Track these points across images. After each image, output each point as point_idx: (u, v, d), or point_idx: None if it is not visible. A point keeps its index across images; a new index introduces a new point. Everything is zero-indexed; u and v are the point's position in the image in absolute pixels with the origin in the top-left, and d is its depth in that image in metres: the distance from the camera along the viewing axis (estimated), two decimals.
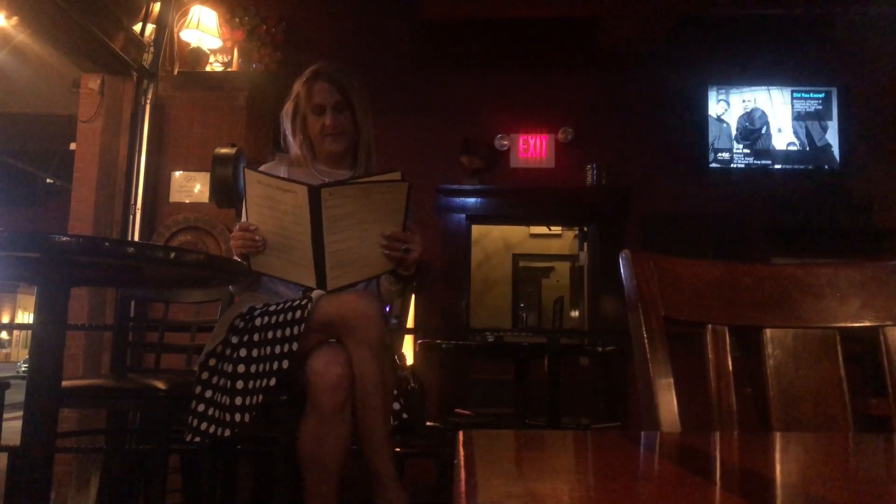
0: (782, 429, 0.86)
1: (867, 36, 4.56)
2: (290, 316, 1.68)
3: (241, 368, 1.70)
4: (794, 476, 0.52)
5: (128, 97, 3.96)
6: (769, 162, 4.55)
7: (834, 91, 4.57)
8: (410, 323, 3.32)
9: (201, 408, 1.73)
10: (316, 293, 1.74)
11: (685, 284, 0.89)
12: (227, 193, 3.68)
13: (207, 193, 3.92)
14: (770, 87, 4.59)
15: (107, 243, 1.37)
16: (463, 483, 0.41)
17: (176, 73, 4.16)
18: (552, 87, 4.72)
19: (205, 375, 1.76)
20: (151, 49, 4.01)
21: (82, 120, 3.89)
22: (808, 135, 4.57)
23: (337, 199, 1.70)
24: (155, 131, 4.00)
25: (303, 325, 1.65)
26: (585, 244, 5.17)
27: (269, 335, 1.70)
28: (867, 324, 0.89)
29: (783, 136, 4.57)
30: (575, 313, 6.28)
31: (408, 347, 3.80)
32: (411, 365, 3.23)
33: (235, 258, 1.90)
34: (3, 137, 6.96)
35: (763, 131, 4.58)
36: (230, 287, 2.07)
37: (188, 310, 3.21)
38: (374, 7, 4.66)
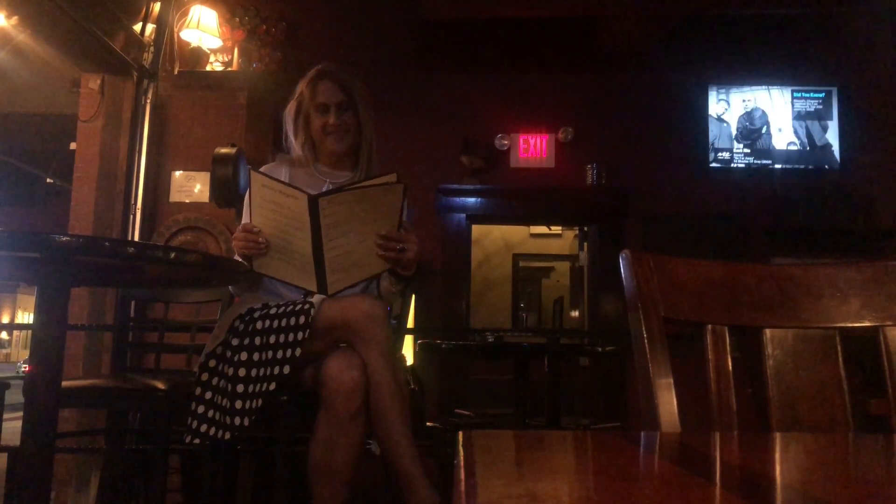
0: (782, 429, 0.86)
1: (867, 36, 4.56)
2: (292, 321, 1.67)
3: (241, 372, 1.69)
4: (794, 476, 0.52)
5: (128, 97, 3.96)
6: (769, 162, 4.55)
7: (834, 91, 4.57)
8: (410, 323, 3.32)
9: (201, 409, 1.73)
10: (317, 297, 1.74)
11: (685, 284, 0.89)
12: (227, 193, 3.68)
13: (207, 193, 3.92)
14: (770, 87, 4.59)
15: (107, 243, 1.37)
16: (463, 483, 0.41)
17: (176, 72, 4.16)
18: (552, 87, 4.72)
19: (204, 377, 1.75)
20: (151, 49, 4.01)
21: (82, 120, 3.89)
22: (809, 135, 4.57)
23: (334, 206, 1.72)
24: (155, 131, 4.00)
25: (307, 330, 1.64)
26: (585, 244, 5.17)
27: (271, 339, 1.69)
28: (867, 324, 0.89)
29: (783, 136, 4.57)
30: (575, 313, 6.28)
31: (408, 347, 3.80)
32: (410, 365, 3.23)
33: (236, 258, 1.90)
34: (3, 137, 6.96)
35: (763, 131, 4.58)
36: (230, 287, 2.07)
37: (188, 310, 3.21)
38: (374, 7, 4.66)
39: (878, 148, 4.54)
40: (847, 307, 0.89)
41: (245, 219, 1.91)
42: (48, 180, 8.90)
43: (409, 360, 3.67)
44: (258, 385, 1.67)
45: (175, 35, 4.16)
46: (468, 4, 4.24)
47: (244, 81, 4.10)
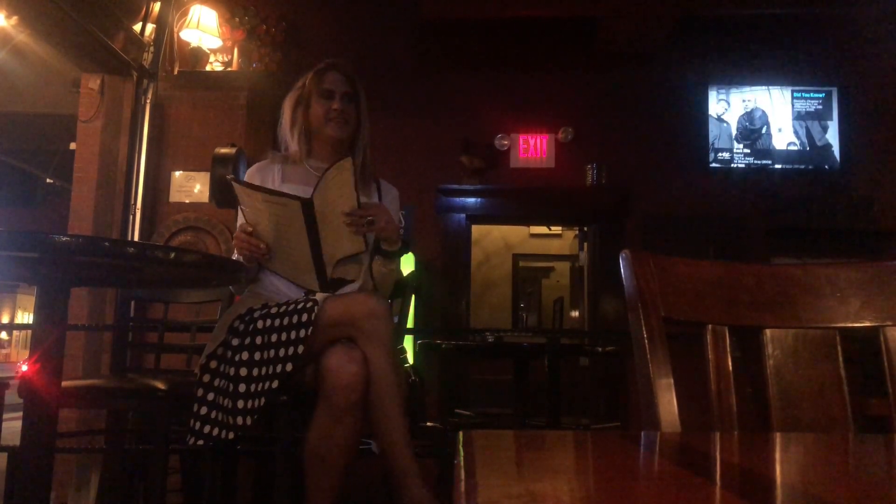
0: (782, 429, 0.86)
1: (867, 36, 4.56)
2: (295, 319, 1.68)
3: (242, 371, 1.70)
4: (794, 476, 0.52)
5: (128, 97, 3.96)
6: (769, 162, 4.55)
7: (834, 91, 4.57)
8: (410, 323, 3.32)
9: (203, 410, 1.73)
10: (320, 295, 1.75)
11: (685, 284, 0.89)
12: (226, 193, 3.68)
13: (207, 193, 3.93)
14: (770, 87, 4.59)
15: (107, 243, 1.37)
16: (463, 483, 0.41)
17: (176, 72, 4.16)
18: (552, 87, 4.72)
19: (206, 378, 1.75)
20: (151, 49, 4.01)
21: (82, 120, 3.89)
22: (809, 134, 4.57)
23: (320, 199, 1.77)
24: (155, 131, 4.00)
25: (310, 328, 1.65)
26: (585, 244, 5.17)
27: (273, 338, 1.69)
28: (867, 324, 0.89)
29: (783, 136, 4.57)
30: (575, 313, 6.28)
31: (408, 347, 3.80)
32: (411, 363, 3.23)
33: (235, 258, 1.91)
34: (3, 137, 6.96)
35: (763, 131, 4.58)
36: (230, 287, 2.07)
37: (188, 310, 3.21)
38: (374, 7, 4.66)
39: (878, 148, 4.54)
40: (847, 307, 0.89)
41: (240, 220, 1.93)
42: (48, 180, 8.89)
43: (410, 359, 3.67)
44: (260, 384, 1.67)
45: (175, 35, 4.16)
46: (468, 4, 4.24)
47: (244, 81, 4.10)
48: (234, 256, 1.94)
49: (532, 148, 4.66)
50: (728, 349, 0.87)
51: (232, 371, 1.71)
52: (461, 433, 0.57)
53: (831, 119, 4.55)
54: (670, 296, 0.88)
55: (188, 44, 4.15)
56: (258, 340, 1.71)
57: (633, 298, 0.87)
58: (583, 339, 4.57)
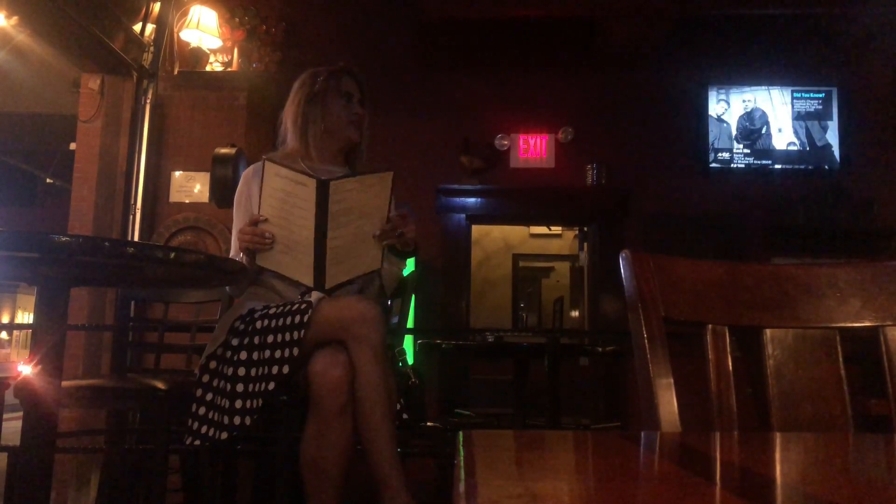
0: (782, 429, 0.86)
1: (867, 36, 4.56)
2: (289, 320, 1.68)
3: (241, 371, 1.70)
4: (794, 476, 0.52)
5: (128, 97, 3.96)
6: (769, 162, 4.55)
7: (834, 91, 4.57)
8: (410, 323, 3.32)
9: (201, 411, 1.73)
10: (315, 296, 1.74)
11: (685, 284, 0.89)
12: (226, 193, 3.68)
13: (207, 193, 3.93)
14: (770, 87, 4.59)
15: (107, 243, 1.37)
16: (463, 483, 0.41)
17: (176, 73, 4.16)
18: (552, 87, 4.72)
19: (205, 378, 1.75)
20: (151, 49, 4.01)
21: (82, 120, 3.89)
22: (808, 135, 4.57)
23: (341, 192, 1.75)
24: (155, 131, 4.00)
25: (303, 330, 1.64)
26: (585, 244, 5.17)
27: (270, 339, 1.69)
28: (867, 324, 0.89)
29: (783, 136, 4.57)
30: (575, 313, 6.29)
31: (408, 347, 3.80)
32: (411, 364, 3.23)
33: (233, 256, 1.90)
34: (3, 137, 6.96)
35: (763, 131, 4.58)
36: (227, 289, 2.07)
37: (188, 310, 3.20)
38: (374, 7, 4.66)
39: (878, 148, 4.54)
40: (847, 307, 0.89)
41: (245, 213, 1.92)
42: (48, 180, 8.89)
43: (410, 360, 3.67)
44: (258, 384, 1.67)
45: (175, 35, 4.16)
46: (468, 4, 4.24)
47: (244, 81, 4.10)
48: (232, 254, 1.94)
49: (532, 148, 4.66)
50: (728, 349, 0.87)
51: (231, 371, 1.71)
52: (461, 433, 0.57)
53: (831, 119, 4.55)
54: (670, 296, 0.88)
55: (188, 44, 4.15)
56: (256, 341, 1.71)
57: (633, 298, 0.87)
58: (583, 339, 4.57)
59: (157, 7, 4.05)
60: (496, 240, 7.51)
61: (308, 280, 1.79)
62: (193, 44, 4.12)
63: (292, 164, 1.91)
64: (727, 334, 0.88)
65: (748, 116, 4.59)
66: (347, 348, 1.67)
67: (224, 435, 1.67)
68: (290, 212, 1.77)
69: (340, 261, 1.80)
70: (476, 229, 5.35)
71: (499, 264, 7.52)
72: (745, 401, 0.89)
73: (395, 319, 2.11)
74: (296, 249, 1.79)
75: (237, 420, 1.66)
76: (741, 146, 4.56)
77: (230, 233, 2.26)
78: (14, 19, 3.37)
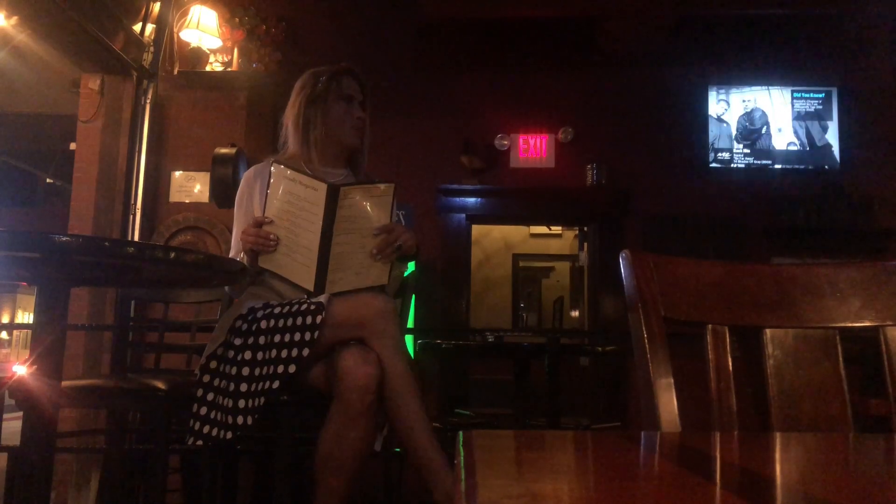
0: (782, 429, 0.86)
1: (867, 36, 4.56)
2: (300, 320, 1.67)
3: (244, 370, 1.70)
4: (794, 476, 0.52)
5: (128, 97, 3.96)
6: (769, 162, 4.55)
7: (834, 91, 4.57)
8: (411, 323, 3.32)
9: (203, 410, 1.73)
10: (324, 296, 1.74)
11: (685, 284, 0.89)
12: (227, 193, 3.68)
13: (207, 193, 3.93)
14: (770, 87, 4.59)
15: (107, 243, 1.37)
16: (463, 483, 0.41)
17: (176, 73, 4.16)
18: (552, 87, 4.72)
19: (206, 378, 1.75)
20: (151, 49, 4.01)
21: (82, 120, 3.89)
22: (808, 135, 4.57)
23: (350, 199, 1.76)
24: (155, 131, 4.00)
25: (316, 331, 1.64)
26: (585, 244, 5.17)
27: (277, 338, 1.69)
28: (867, 324, 0.89)
29: (783, 136, 4.57)
30: (575, 313, 6.29)
31: (408, 347, 3.79)
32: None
33: (233, 256, 1.90)
34: (3, 137, 6.96)
35: (763, 131, 4.58)
36: (226, 289, 2.06)
37: (188, 310, 3.21)
38: (374, 7, 4.66)
39: (878, 148, 4.54)
40: (847, 307, 0.89)
41: (245, 214, 1.91)
42: (48, 180, 8.89)
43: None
44: (261, 383, 1.67)
45: (175, 35, 4.16)
46: (468, 4, 4.24)
47: (244, 81, 4.10)
48: (232, 254, 1.94)
49: (532, 148, 4.66)
50: (728, 349, 0.87)
51: (233, 370, 1.71)
52: (461, 433, 0.57)
53: (831, 119, 4.55)
54: (670, 296, 0.88)
55: (188, 44, 4.15)
56: (261, 340, 1.71)
57: (633, 298, 0.87)
58: (583, 339, 4.58)
59: (157, 7, 4.05)
60: (496, 240, 7.51)
61: (308, 284, 1.78)
62: (193, 44, 4.12)
63: (297, 168, 1.91)
64: (727, 334, 0.88)
65: (748, 116, 4.58)
66: (369, 344, 1.67)
67: (228, 434, 1.67)
68: (297, 215, 1.77)
69: (342, 268, 1.80)
70: (476, 229, 5.35)
71: (499, 264, 7.52)
72: (745, 401, 0.89)
73: None
74: (299, 252, 1.79)
75: (240, 419, 1.66)
76: (741, 146, 4.55)
77: (230, 233, 2.26)
78: (14, 19, 3.37)
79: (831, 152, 4.55)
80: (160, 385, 1.87)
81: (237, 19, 4.27)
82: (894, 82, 4.56)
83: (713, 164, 4.53)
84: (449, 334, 3.89)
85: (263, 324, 1.72)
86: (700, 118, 4.56)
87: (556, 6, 4.28)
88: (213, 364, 1.77)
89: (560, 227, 7.23)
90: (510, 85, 4.73)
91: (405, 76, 4.65)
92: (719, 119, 4.57)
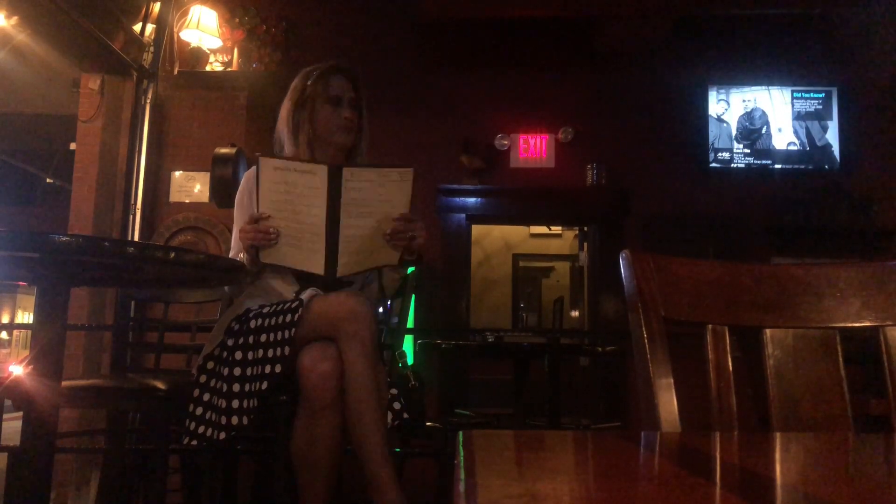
0: (782, 429, 0.86)
1: (867, 36, 4.56)
2: (281, 319, 1.68)
3: (237, 371, 1.70)
4: (794, 476, 0.52)
5: (128, 97, 3.96)
6: (769, 162, 4.55)
7: (834, 91, 4.57)
8: (410, 323, 3.32)
9: (199, 411, 1.73)
10: (307, 294, 1.73)
11: (685, 284, 0.89)
12: (227, 193, 3.68)
13: (207, 193, 3.93)
14: (770, 87, 4.59)
15: (107, 243, 1.37)
16: (463, 483, 0.41)
17: (176, 73, 4.16)
18: (552, 87, 4.72)
19: (202, 378, 1.76)
20: (151, 49, 4.01)
21: (82, 120, 3.89)
22: (809, 135, 4.57)
23: (357, 181, 1.73)
24: (155, 131, 4.00)
25: (293, 328, 1.64)
26: (585, 244, 5.17)
27: (263, 338, 1.69)
28: (867, 324, 0.89)
29: (783, 136, 4.57)
30: (575, 313, 6.28)
31: (408, 347, 3.80)
32: (411, 365, 3.23)
33: (233, 256, 1.90)
34: (3, 137, 6.96)
35: (763, 131, 4.58)
36: (226, 289, 2.06)
37: (188, 310, 3.21)
38: (374, 7, 4.66)
39: (878, 148, 4.54)
40: (847, 307, 0.89)
41: (245, 214, 1.91)
42: (48, 180, 8.89)
43: (410, 360, 3.67)
44: (253, 384, 1.67)
45: (175, 35, 4.16)
46: (468, 4, 4.24)
47: (244, 81, 4.10)
48: (232, 254, 1.93)
49: (532, 148, 4.66)
50: (728, 349, 0.87)
51: (227, 372, 1.71)
52: (461, 433, 0.57)
53: (831, 119, 4.55)
54: (670, 296, 0.88)
55: (188, 44, 4.15)
56: (251, 340, 1.71)
57: (633, 298, 0.87)
58: (583, 339, 4.57)
59: (157, 7, 4.05)
60: (496, 240, 7.51)
61: (318, 268, 1.76)
62: (193, 44, 4.12)
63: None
64: (727, 334, 0.88)
65: (748, 116, 4.58)
66: (338, 344, 1.66)
67: (222, 435, 1.67)
68: (296, 202, 1.75)
69: (355, 251, 1.78)
70: (476, 229, 5.35)
71: (499, 264, 7.52)
72: (745, 401, 0.89)
73: (394, 320, 2.11)
74: (304, 238, 1.77)
75: (234, 420, 1.66)
76: (741, 146, 4.55)
77: (230, 233, 2.26)
78: (14, 19, 3.37)
79: (831, 152, 4.55)
80: (160, 385, 1.87)
81: (237, 19, 4.27)
82: (894, 82, 4.56)
83: (713, 164, 4.53)
84: (449, 334, 3.89)
85: (253, 324, 1.72)
86: (700, 118, 4.56)
87: (555, 6, 4.28)
88: (210, 364, 1.77)
89: (560, 227, 7.23)
90: (510, 85, 4.73)
91: (405, 76, 4.65)
92: (719, 119, 4.57)
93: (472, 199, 4.64)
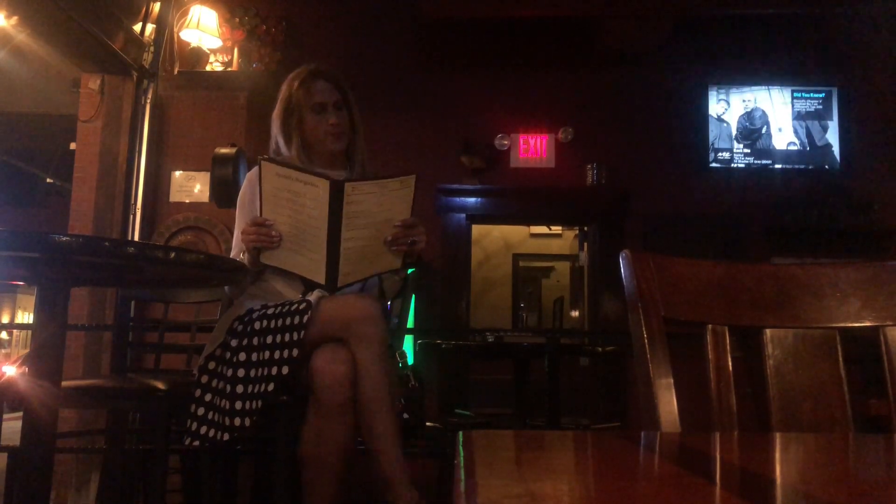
0: (782, 429, 0.86)
1: (867, 36, 4.56)
2: (289, 321, 1.67)
3: (240, 372, 1.69)
4: (794, 476, 0.52)
5: (128, 97, 3.96)
6: (769, 162, 4.55)
7: (834, 91, 4.57)
8: (410, 323, 3.32)
9: (200, 412, 1.72)
10: (314, 296, 1.73)
11: (685, 284, 0.89)
12: (227, 193, 3.68)
13: (207, 193, 3.93)
14: (770, 87, 4.59)
15: (107, 243, 1.37)
16: (463, 483, 0.41)
17: (176, 73, 4.16)
18: (552, 87, 4.72)
19: (204, 379, 1.75)
20: (151, 49, 4.01)
21: (82, 120, 3.89)
22: (809, 135, 4.57)
23: (358, 195, 1.73)
24: (155, 131, 4.00)
25: (303, 331, 1.64)
26: (585, 244, 5.17)
27: (269, 339, 1.69)
28: (867, 324, 0.89)
29: (783, 136, 4.57)
30: (575, 313, 6.28)
31: (408, 347, 3.79)
32: (411, 365, 3.23)
33: (234, 256, 1.90)
34: (3, 137, 6.96)
35: (763, 131, 4.58)
36: (226, 289, 2.06)
37: (188, 310, 3.20)
38: (374, 7, 4.66)
39: (878, 148, 4.54)
40: (847, 307, 0.89)
41: (247, 215, 1.91)
42: (48, 180, 8.89)
43: (410, 360, 3.67)
44: (257, 386, 1.67)
45: (175, 35, 4.16)
46: (468, 4, 4.24)
47: (244, 81, 4.10)
48: (233, 254, 1.93)
49: (532, 148, 4.66)
50: (728, 349, 0.87)
51: (230, 372, 1.71)
52: (461, 433, 0.57)
53: (831, 119, 4.55)
54: (670, 296, 0.88)
55: (188, 44, 4.15)
56: (255, 342, 1.71)
57: (633, 298, 0.87)
58: (583, 339, 4.57)
59: (157, 7, 4.05)
60: (496, 240, 7.51)
61: (320, 278, 1.76)
62: (193, 44, 4.12)
63: (292, 165, 1.88)
64: (727, 334, 0.88)
65: (748, 116, 4.58)
66: (349, 346, 1.66)
67: (225, 436, 1.67)
68: (299, 211, 1.75)
69: (355, 261, 1.78)
70: (476, 229, 5.35)
71: (499, 264, 7.52)
72: (745, 401, 0.89)
73: (395, 320, 2.11)
74: (305, 246, 1.77)
75: (237, 421, 1.66)
76: (741, 146, 4.55)
77: (230, 232, 2.26)
78: (14, 19, 3.37)
79: (831, 152, 4.55)
80: (160, 385, 1.87)
81: (237, 19, 4.27)
82: (894, 82, 4.56)
83: (713, 164, 4.53)
84: (449, 334, 3.88)
85: (258, 325, 1.72)
86: (700, 118, 4.56)
87: (555, 6, 4.28)
88: (212, 365, 1.76)
89: (560, 227, 7.23)
90: (510, 85, 4.73)
91: (405, 76, 4.65)
92: (719, 119, 4.57)
93: (472, 199, 4.64)
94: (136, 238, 3.88)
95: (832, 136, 4.55)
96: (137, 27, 3.92)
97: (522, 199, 4.73)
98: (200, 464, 2.23)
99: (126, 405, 2.08)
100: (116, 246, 1.37)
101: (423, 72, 4.72)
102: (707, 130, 4.54)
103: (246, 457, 2.54)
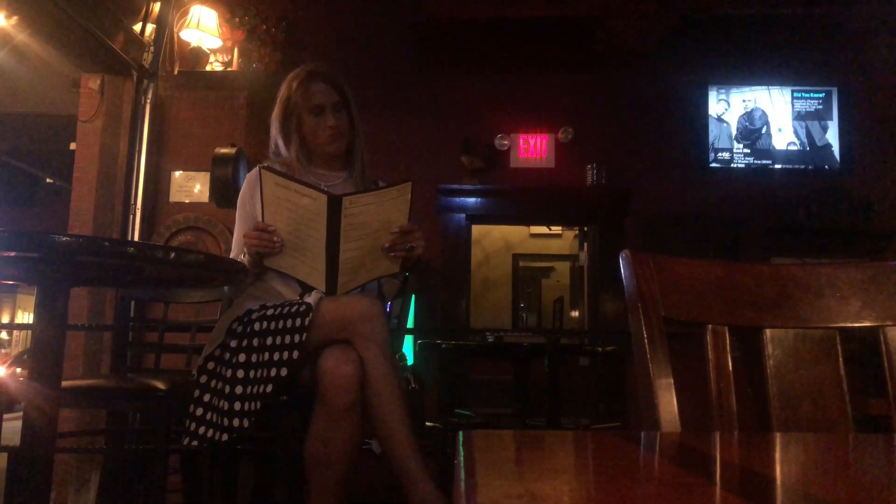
0: (782, 429, 0.86)
1: (867, 36, 4.56)
2: (289, 323, 1.67)
3: (240, 373, 1.69)
4: (794, 476, 0.52)
5: (128, 97, 3.96)
6: (769, 162, 4.55)
7: (834, 91, 4.57)
8: (410, 323, 3.32)
9: (199, 412, 1.72)
10: (313, 297, 1.73)
11: (685, 284, 0.89)
12: (226, 193, 3.68)
13: (207, 193, 3.93)
14: (770, 87, 4.59)
15: (107, 243, 1.37)
16: (463, 483, 0.41)
17: (176, 72, 4.16)
18: (552, 87, 4.72)
19: (203, 379, 1.75)
20: (151, 49, 4.01)
21: (82, 120, 3.89)
22: (809, 135, 4.57)
23: (356, 207, 1.74)
24: (155, 131, 4.00)
25: (304, 333, 1.64)
26: (585, 244, 5.17)
27: (269, 341, 1.68)
28: (867, 324, 0.89)
29: (783, 136, 4.57)
30: (575, 313, 6.28)
31: (408, 348, 3.80)
32: (411, 365, 3.23)
33: (234, 257, 1.90)
34: (3, 137, 6.96)
35: (763, 131, 4.58)
36: (225, 289, 2.06)
37: (188, 310, 3.20)
38: (374, 7, 4.66)
39: (877, 148, 4.54)
40: (847, 307, 0.89)
41: (247, 217, 1.91)
42: (48, 180, 8.89)
43: (409, 360, 3.67)
44: (256, 387, 1.67)
45: (175, 35, 4.16)
46: (468, 4, 4.24)
47: (244, 81, 4.10)
48: (233, 254, 1.93)
49: (532, 148, 4.66)
50: (728, 349, 0.87)
51: (229, 373, 1.71)
52: (461, 433, 0.57)
53: (831, 119, 4.55)
54: (670, 296, 0.88)
55: (188, 44, 4.15)
56: (255, 342, 1.70)
57: (633, 298, 0.87)
58: (583, 339, 4.57)
59: (157, 7, 4.05)
60: (496, 240, 7.51)
61: (320, 285, 1.78)
62: (193, 44, 4.12)
63: (294, 174, 1.88)
64: (727, 334, 0.88)
65: (748, 116, 4.58)
66: (354, 346, 1.66)
67: (223, 437, 1.67)
68: (299, 221, 1.76)
69: (354, 270, 1.80)
70: (476, 229, 5.35)
71: (499, 264, 7.52)
72: (745, 401, 0.89)
73: (394, 321, 2.11)
74: (305, 255, 1.79)
75: (236, 422, 1.66)
76: (741, 146, 4.56)
77: (230, 233, 2.26)
78: (14, 19, 3.37)
79: (831, 152, 4.55)
80: (160, 385, 1.87)
81: (237, 19, 4.27)
82: (894, 82, 4.56)
83: (713, 164, 4.53)
84: (449, 334, 3.89)
85: (257, 326, 1.72)
86: (700, 118, 4.57)
87: (555, 6, 4.28)
88: (211, 365, 1.76)
89: (560, 227, 7.23)
90: (510, 85, 4.73)
91: (405, 76, 4.65)
92: (719, 119, 4.57)
93: (472, 199, 4.64)
94: (136, 238, 3.88)
95: (832, 137, 4.55)
96: (137, 27, 3.92)
97: (522, 199, 4.73)
98: (200, 464, 2.22)
99: (126, 405, 2.08)
100: (116, 246, 1.37)
101: (422, 72, 4.72)
102: (707, 130, 4.54)
103: (246, 457, 2.54)
